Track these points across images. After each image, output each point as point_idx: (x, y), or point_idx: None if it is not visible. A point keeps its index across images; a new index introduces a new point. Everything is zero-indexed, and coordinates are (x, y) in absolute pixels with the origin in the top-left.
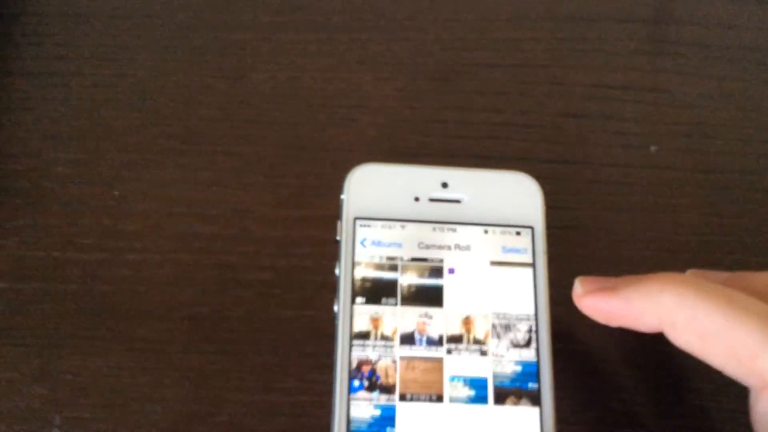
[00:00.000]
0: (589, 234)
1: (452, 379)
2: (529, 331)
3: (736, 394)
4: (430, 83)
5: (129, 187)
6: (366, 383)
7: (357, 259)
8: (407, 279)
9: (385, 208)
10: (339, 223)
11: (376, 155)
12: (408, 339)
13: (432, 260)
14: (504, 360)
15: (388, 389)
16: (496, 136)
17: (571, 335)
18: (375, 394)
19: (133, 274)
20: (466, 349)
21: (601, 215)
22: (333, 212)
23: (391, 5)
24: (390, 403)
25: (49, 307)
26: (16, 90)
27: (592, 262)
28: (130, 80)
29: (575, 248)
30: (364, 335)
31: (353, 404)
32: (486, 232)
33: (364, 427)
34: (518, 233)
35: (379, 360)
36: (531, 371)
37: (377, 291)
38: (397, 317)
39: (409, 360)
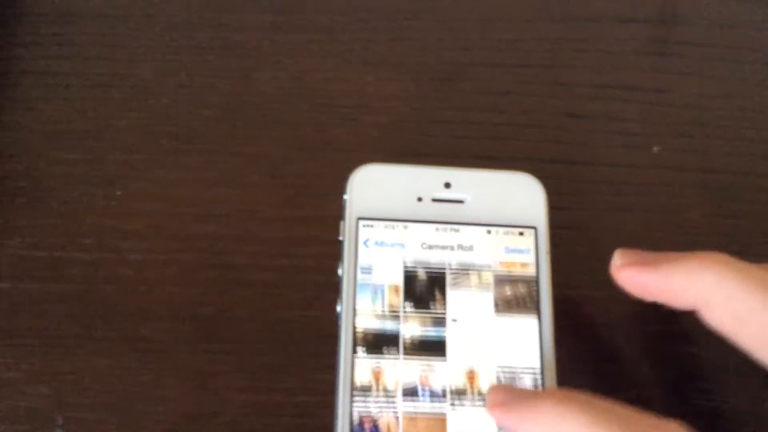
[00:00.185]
0: (591, 234)
1: None
2: (535, 384)
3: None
4: (432, 83)
5: (131, 187)
6: None
7: (360, 261)
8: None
9: (388, 209)
10: (342, 223)
11: (379, 155)
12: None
13: (434, 265)
14: None
15: None
16: (499, 136)
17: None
18: None
19: (136, 274)
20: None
21: (604, 215)
22: (336, 212)
23: (393, 6)
24: None
25: (50, 307)
26: (16, 90)
27: (595, 263)
28: (131, 80)
29: (578, 248)
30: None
31: None
32: (489, 232)
33: None
34: (521, 233)
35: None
36: None
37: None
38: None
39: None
